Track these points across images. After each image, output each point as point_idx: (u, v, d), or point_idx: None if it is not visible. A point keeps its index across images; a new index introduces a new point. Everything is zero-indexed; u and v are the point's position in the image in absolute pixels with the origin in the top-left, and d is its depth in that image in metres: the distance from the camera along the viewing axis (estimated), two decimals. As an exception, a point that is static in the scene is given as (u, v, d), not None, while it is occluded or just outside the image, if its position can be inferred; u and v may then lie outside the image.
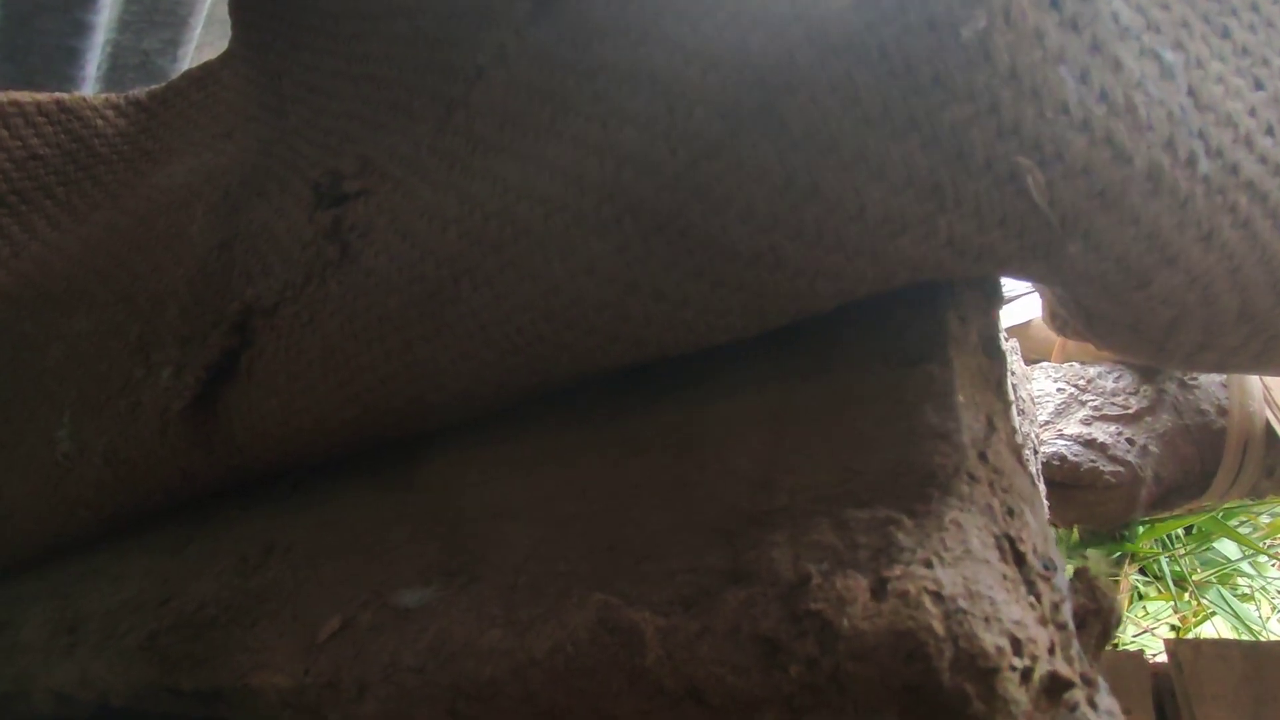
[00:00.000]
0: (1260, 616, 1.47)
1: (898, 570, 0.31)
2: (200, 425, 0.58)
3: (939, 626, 0.28)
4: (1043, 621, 0.30)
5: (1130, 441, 1.28)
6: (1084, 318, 0.52)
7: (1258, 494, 1.27)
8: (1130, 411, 1.30)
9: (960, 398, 0.40)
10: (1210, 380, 1.28)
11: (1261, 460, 1.31)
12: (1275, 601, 1.53)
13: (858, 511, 0.35)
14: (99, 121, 0.89)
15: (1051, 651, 0.29)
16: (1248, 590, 1.53)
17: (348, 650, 0.44)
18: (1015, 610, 0.29)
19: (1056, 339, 1.36)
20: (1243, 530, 1.54)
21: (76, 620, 0.60)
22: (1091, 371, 1.33)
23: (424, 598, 0.45)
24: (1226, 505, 1.39)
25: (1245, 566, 1.53)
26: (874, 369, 0.43)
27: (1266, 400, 1.31)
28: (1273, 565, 1.59)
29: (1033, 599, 0.30)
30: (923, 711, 0.28)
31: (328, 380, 0.52)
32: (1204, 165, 0.39)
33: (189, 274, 0.65)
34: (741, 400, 0.46)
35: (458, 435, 0.57)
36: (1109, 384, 1.31)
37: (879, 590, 0.30)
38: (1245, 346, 0.50)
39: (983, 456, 0.37)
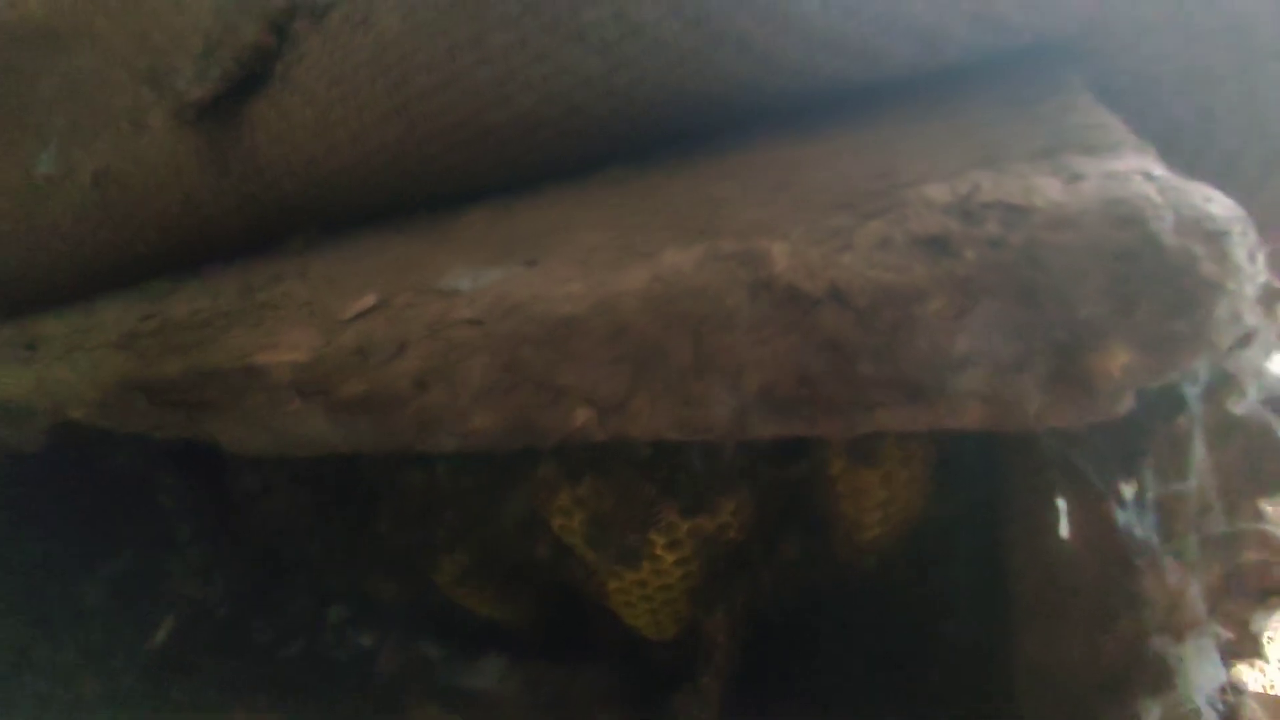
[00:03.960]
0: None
1: (1091, 165, 0.27)
2: (218, 138, 0.51)
3: (1156, 195, 0.24)
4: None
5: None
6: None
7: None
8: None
9: (1104, 111, 0.36)
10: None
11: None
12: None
13: (1014, 164, 0.31)
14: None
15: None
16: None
17: (381, 321, 0.38)
18: (1229, 203, 0.25)
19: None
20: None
21: (37, 339, 0.52)
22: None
23: (479, 279, 0.39)
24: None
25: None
26: (1002, 108, 0.40)
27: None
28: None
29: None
30: (1138, 279, 0.24)
31: (375, 85, 0.47)
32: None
33: (217, 4, 0.59)
34: (844, 137, 0.42)
35: (502, 196, 0.52)
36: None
37: (1074, 180, 0.26)
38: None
39: (1143, 143, 0.34)
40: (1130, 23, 0.41)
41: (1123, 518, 0.32)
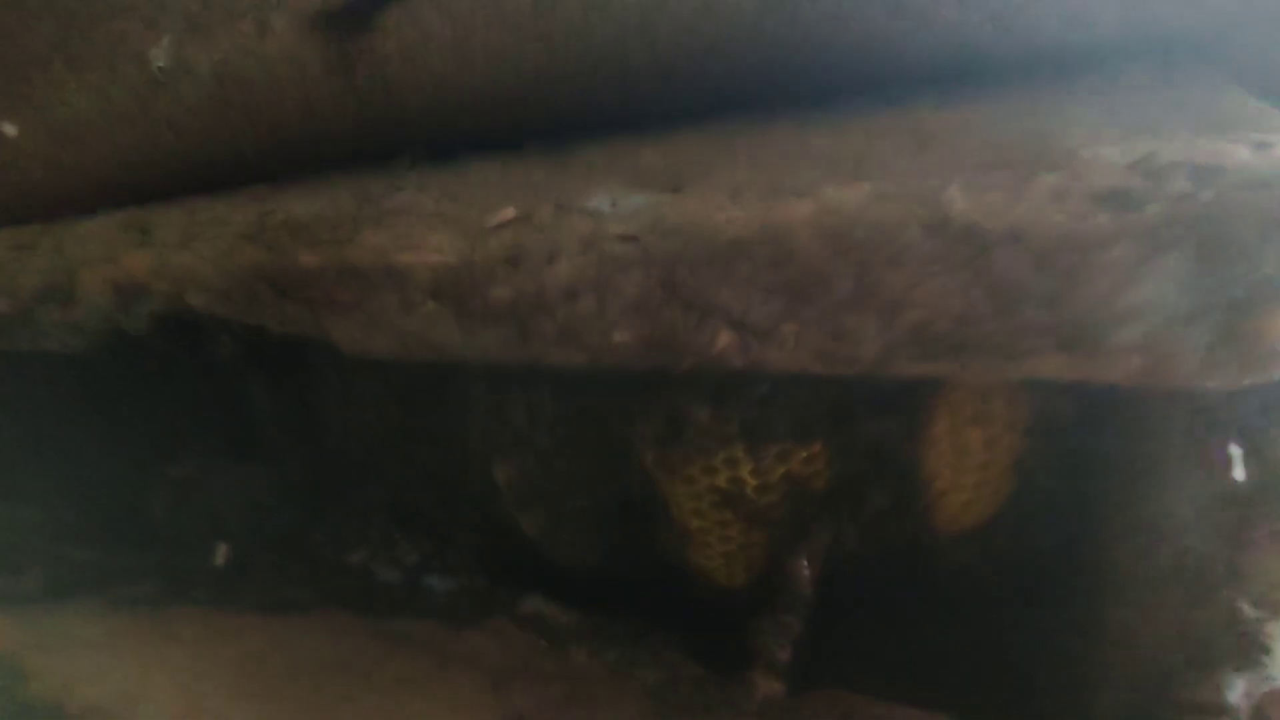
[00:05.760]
0: None
1: (1277, 137, 0.28)
2: (347, 46, 0.52)
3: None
4: None
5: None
6: None
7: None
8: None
9: (1256, 100, 0.37)
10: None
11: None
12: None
13: (1180, 135, 0.32)
14: None
15: None
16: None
17: (530, 232, 0.39)
18: None
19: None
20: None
21: (149, 225, 0.53)
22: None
23: (620, 204, 0.40)
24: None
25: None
26: (1147, 90, 0.41)
27: None
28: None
29: None
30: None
31: (520, 8, 0.47)
32: None
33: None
34: (978, 107, 0.43)
35: (621, 135, 0.52)
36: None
37: (1262, 148, 0.28)
38: None
39: None
40: (1255, 34, 0.42)
41: (1241, 490, 0.33)
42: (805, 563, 0.46)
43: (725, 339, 0.35)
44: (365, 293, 0.42)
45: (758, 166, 0.41)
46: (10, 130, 0.61)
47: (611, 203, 0.40)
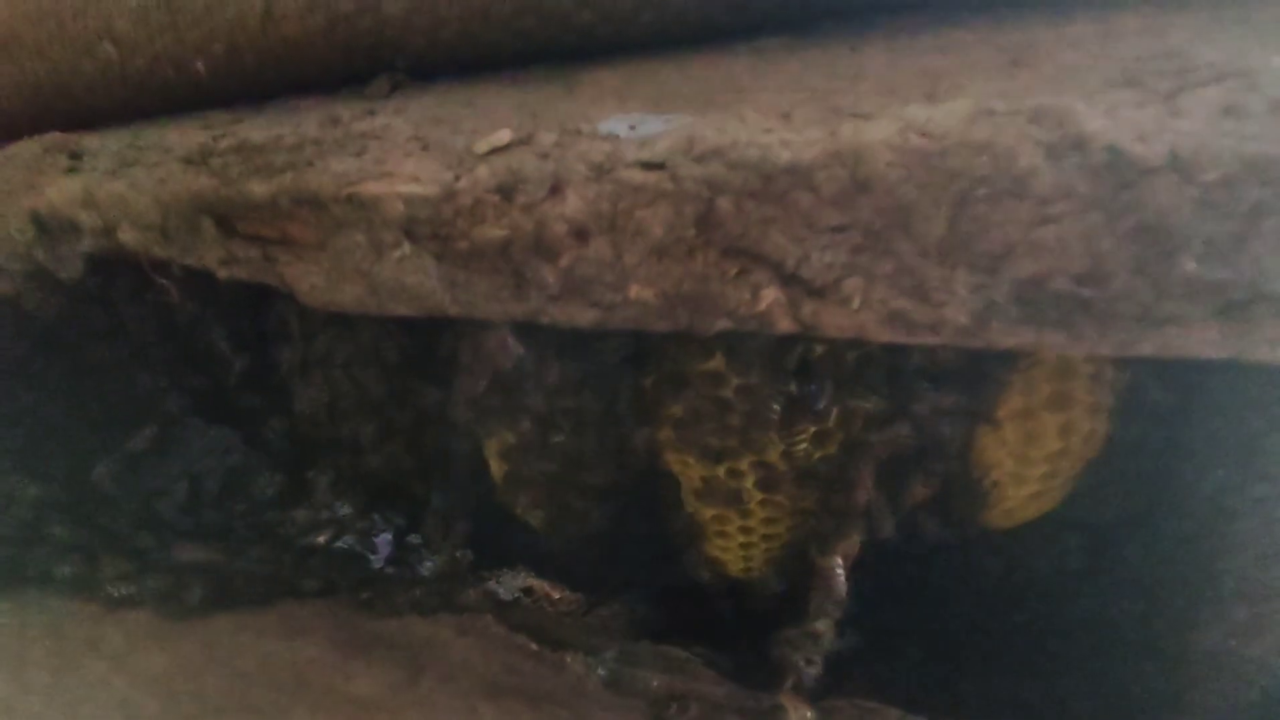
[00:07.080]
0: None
1: None
2: (314, -60, 0.44)
3: None
4: None
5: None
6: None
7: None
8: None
9: None
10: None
11: None
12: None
13: None
14: None
15: None
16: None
17: (529, 158, 0.32)
18: None
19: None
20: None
21: (81, 149, 0.45)
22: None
23: (639, 128, 0.33)
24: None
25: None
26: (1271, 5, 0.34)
27: None
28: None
29: None
30: None
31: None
32: None
33: None
34: (1069, 25, 0.36)
35: (632, 58, 0.45)
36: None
37: None
38: None
39: None
40: None
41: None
42: (839, 561, 0.40)
43: (771, 296, 0.28)
44: (327, 231, 0.35)
45: (807, 88, 0.34)
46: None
47: (630, 126, 0.33)
